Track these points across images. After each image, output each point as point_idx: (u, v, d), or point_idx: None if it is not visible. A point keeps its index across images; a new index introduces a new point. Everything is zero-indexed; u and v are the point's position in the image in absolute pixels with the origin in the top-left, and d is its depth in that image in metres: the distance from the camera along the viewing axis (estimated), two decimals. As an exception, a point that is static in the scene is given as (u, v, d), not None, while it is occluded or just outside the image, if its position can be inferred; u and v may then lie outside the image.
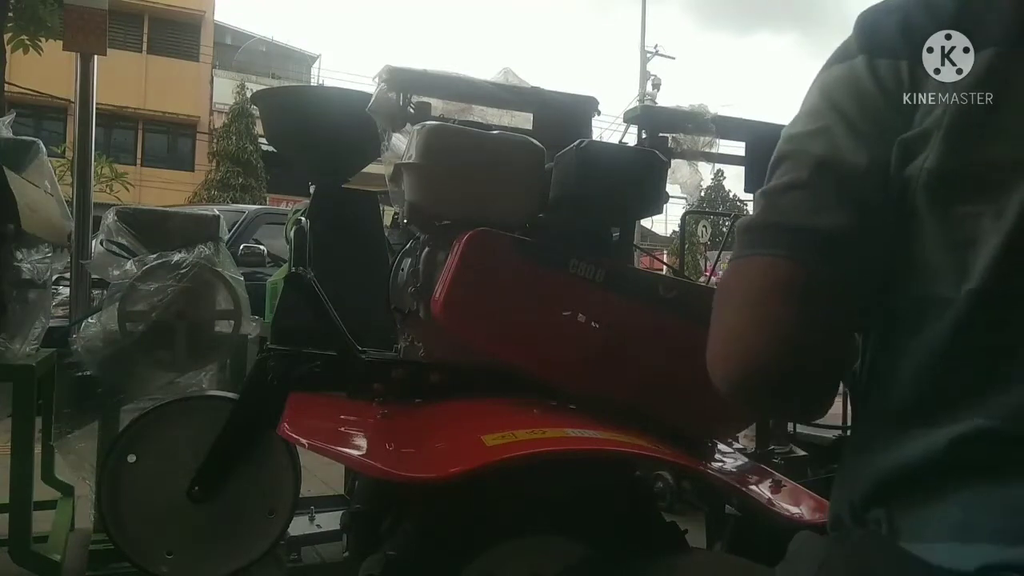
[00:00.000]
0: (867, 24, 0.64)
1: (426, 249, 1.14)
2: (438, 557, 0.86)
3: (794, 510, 0.91)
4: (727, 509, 1.49)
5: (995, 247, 0.56)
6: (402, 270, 1.34)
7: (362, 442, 0.98)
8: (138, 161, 18.90)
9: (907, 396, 0.60)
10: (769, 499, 0.94)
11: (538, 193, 1.15)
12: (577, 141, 1.10)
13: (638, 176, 1.11)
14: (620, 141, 1.90)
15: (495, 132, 1.20)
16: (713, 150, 1.90)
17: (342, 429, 1.02)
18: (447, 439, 0.93)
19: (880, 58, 0.61)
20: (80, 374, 1.87)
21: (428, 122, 1.15)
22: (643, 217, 1.26)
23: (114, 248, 1.93)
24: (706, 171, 2.03)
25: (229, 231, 3.04)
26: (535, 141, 1.18)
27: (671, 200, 1.39)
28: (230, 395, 1.39)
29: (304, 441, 0.89)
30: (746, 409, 0.80)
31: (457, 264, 0.99)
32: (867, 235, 0.60)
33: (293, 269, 1.25)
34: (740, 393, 0.63)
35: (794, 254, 0.60)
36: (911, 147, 0.59)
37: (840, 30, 0.71)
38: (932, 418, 0.58)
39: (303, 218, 2.04)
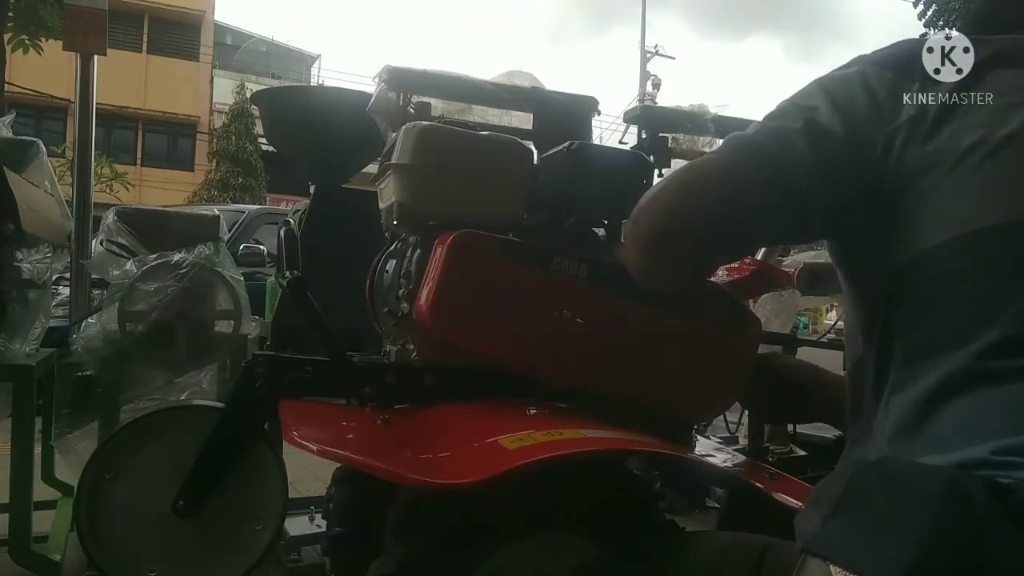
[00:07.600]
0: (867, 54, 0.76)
1: (418, 251, 1.13)
2: (450, 559, 0.86)
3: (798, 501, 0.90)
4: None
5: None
6: (386, 272, 1.32)
7: (379, 450, 0.95)
8: (138, 161, 18.90)
9: (931, 334, 0.64)
10: (776, 491, 0.94)
11: (526, 194, 1.15)
12: (567, 143, 1.11)
13: (625, 177, 1.12)
14: (620, 141, 1.90)
15: (484, 133, 1.20)
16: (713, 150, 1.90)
17: (351, 436, 0.99)
18: (464, 443, 0.92)
19: (872, 67, 0.72)
20: (80, 374, 1.87)
21: (416, 122, 1.15)
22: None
23: (114, 248, 1.92)
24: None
25: (229, 231, 3.05)
26: (523, 142, 1.18)
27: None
28: (214, 404, 1.33)
29: (314, 447, 0.86)
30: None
31: (443, 267, 0.98)
32: (825, 183, 0.70)
33: (287, 273, 1.22)
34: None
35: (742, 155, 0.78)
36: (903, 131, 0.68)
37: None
38: (962, 338, 0.61)
39: (291, 219, 2.03)
